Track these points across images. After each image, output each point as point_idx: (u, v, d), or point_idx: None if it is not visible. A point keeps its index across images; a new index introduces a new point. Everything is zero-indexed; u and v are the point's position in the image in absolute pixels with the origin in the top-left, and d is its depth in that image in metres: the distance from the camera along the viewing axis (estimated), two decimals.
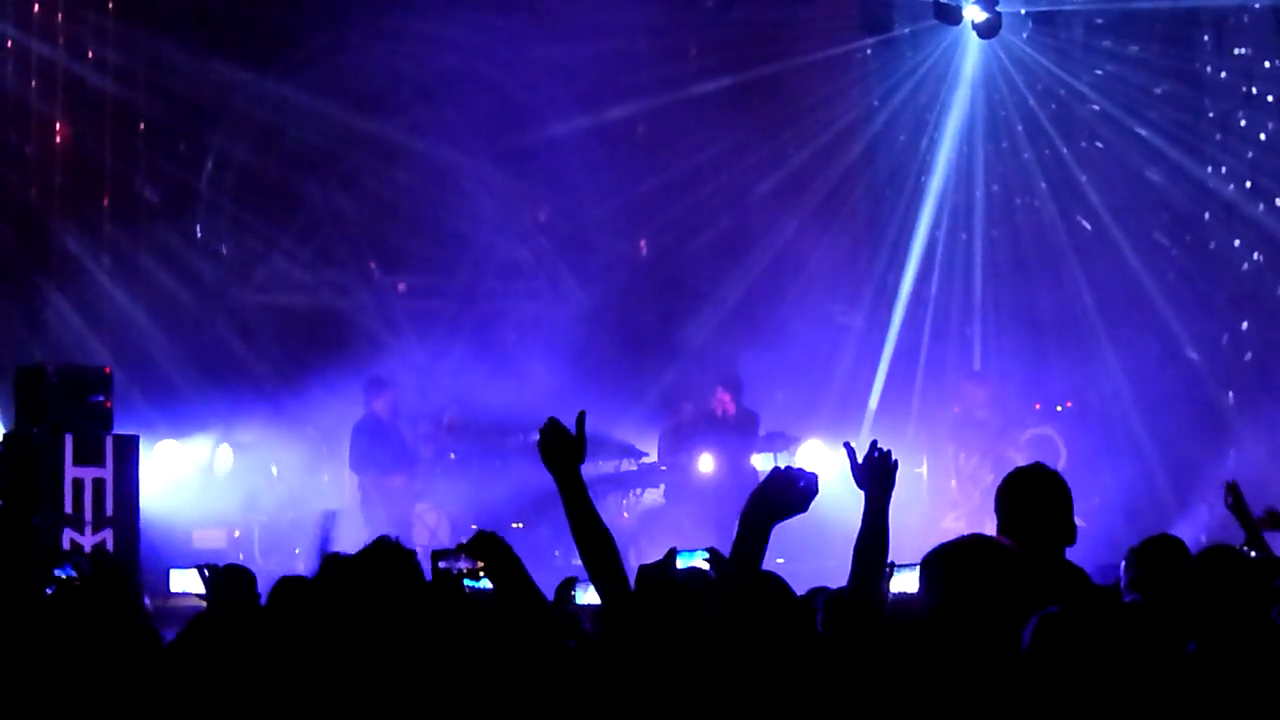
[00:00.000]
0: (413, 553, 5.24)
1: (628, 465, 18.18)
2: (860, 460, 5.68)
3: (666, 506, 17.78)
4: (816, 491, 5.19)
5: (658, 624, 5.19)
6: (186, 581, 12.26)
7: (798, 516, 5.29)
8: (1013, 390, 19.91)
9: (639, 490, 18.15)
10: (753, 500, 5.12)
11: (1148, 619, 6.37)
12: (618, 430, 17.92)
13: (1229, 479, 9.36)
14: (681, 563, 7.68)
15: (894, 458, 5.69)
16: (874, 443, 5.71)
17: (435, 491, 17.39)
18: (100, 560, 12.94)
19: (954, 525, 17.22)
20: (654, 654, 5.12)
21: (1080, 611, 4.49)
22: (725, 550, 7.29)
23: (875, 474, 5.63)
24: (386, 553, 5.16)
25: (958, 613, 4.88)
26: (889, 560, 5.89)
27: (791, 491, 5.19)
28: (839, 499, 6.18)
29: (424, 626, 5.09)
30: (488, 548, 5.56)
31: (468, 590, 6.82)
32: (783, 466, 5.26)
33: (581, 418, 5.36)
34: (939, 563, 5.00)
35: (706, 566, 6.68)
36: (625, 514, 17.69)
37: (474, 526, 16.05)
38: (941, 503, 18.83)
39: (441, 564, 5.92)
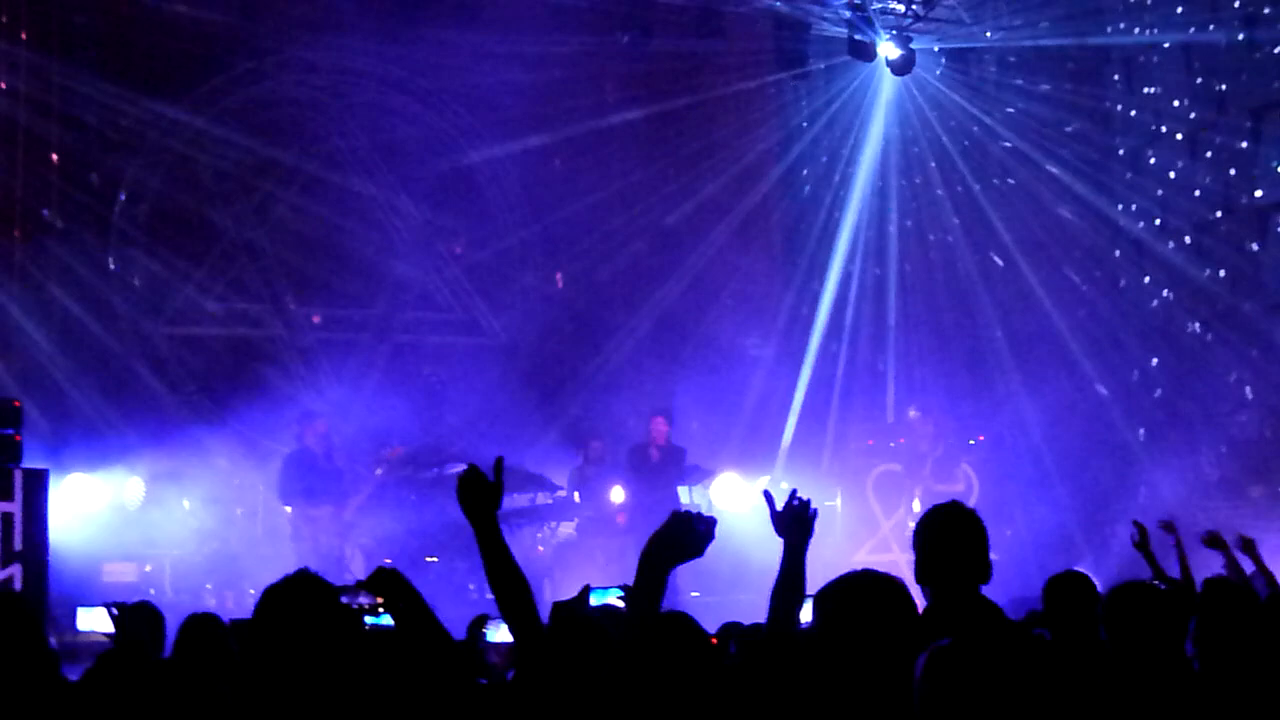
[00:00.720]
0: (330, 586, 5.19)
1: (543, 499, 18.13)
2: (779, 508, 5.71)
3: (580, 540, 17.74)
4: (713, 538, 5.23)
5: (571, 661, 5.19)
6: (94, 620, 12.15)
7: (710, 550, 5.33)
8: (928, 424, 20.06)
9: (553, 524, 18.10)
10: (651, 543, 5.16)
11: (1048, 652, 6.40)
12: (532, 462, 17.88)
13: (1136, 518, 9.48)
14: (595, 600, 7.67)
15: (813, 507, 5.72)
16: (794, 491, 5.74)
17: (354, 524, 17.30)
18: (6, 600, 12.82)
19: (867, 558, 17.27)
20: (567, 690, 5.11)
21: (970, 645, 4.50)
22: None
23: (794, 523, 5.67)
24: (304, 585, 5.13)
25: (844, 644, 4.88)
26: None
27: (690, 536, 5.24)
28: (753, 533, 6.19)
29: (336, 661, 5.05)
30: (387, 584, 5.54)
31: (368, 626, 6.78)
32: (685, 508, 5.30)
33: (499, 464, 5.35)
34: (828, 597, 5.01)
35: (620, 604, 6.68)
36: (540, 547, 17.65)
37: (388, 561, 16.04)
38: (858, 535, 18.87)
39: (343, 599, 5.87)
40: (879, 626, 4.79)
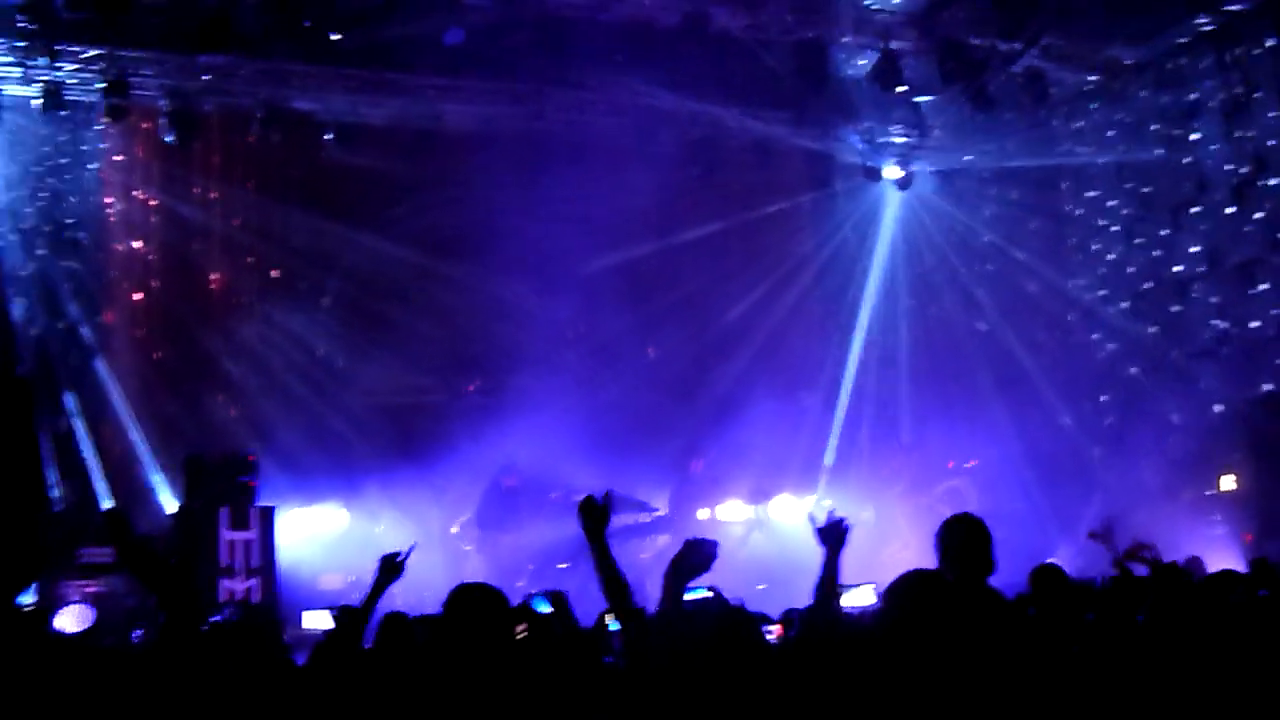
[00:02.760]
0: (499, 591, 5.22)
1: (644, 518, 18.10)
2: (821, 526, 5.69)
3: (674, 547, 17.64)
4: (716, 557, 5.28)
5: (674, 641, 5.19)
6: (315, 620, 12.24)
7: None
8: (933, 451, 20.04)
9: (653, 536, 18.05)
10: (674, 562, 5.20)
11: (1037, 627, 6.35)
12: (633, 489, 17.82)
13: (1103, 519, 9.30)
14: (690, 596, 7.64)
15: (847, 524, 5.69)
16: (831, 512, 5.73)
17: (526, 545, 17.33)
18: (249, 609, 12.95)
19: (894, 555, 17.13)
20: (672, 663, 5.10)
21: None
22: (722, 587, 7.28)
23: (832, 537, 5.65)
24: (478, 591, 5.17)
25: (909, 623, 4.84)
26: (840, 585, 5.88)
27: (699, 557, 5.26)
28: (802, 540, 6.16)
29: (501, 646, 5.07)
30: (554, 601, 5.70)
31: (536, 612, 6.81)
32: (693, 537, 5.34)
33: (608, 495, 5.41)
34: (898, 590, 4.96)
35: (710, 596, 6.66)
36: (643, 554, 17.59)
37: (530, 567, 16.03)
38: (885, 537, 18.66)
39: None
40: (936, 610, 4.76)
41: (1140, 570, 7.79)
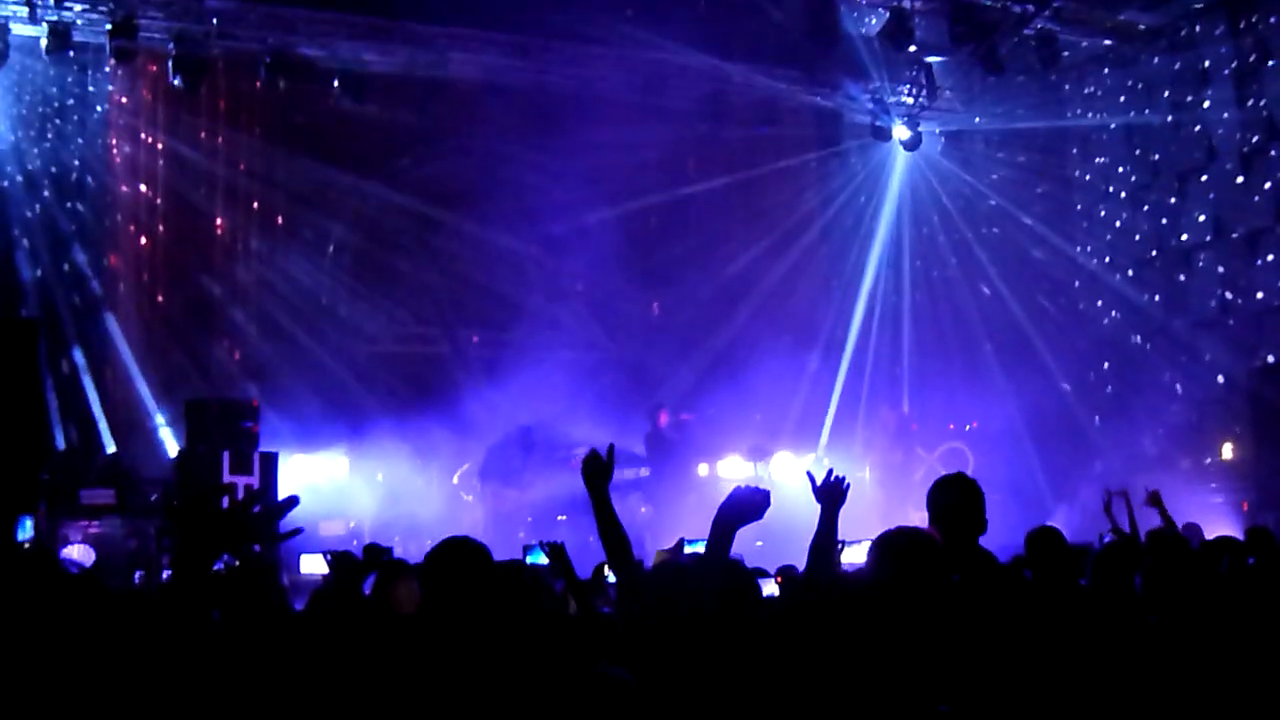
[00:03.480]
0: (482, 546, 5.19)
1: (644, 472, 18.10)
2: (819, 484, 5.67)
3: (668, 501, 17.64)
4: (769, 504, 5.17)
5: (670, 596, 5.19)
6: (313, 564, 12.26)
7: (770, 510, 5.27)
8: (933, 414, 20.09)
9: (637, 492, 18.05)
10: (722, 509, 5.10)
11: (1032, 589, 6.34)
12: (632, 444, 17.83)
13: (1107, 487, 9.31)
14: (689, 550, 7.64)
15: (846, 482, 5.66)
16: (830, 470, 5.70)
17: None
18: (249, 557, 12.96)
19: (892, 514, 17.16)
20: (666, 618, 5.11)
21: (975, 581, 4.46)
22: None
23: (830, 494, 5.63)
24: (459, 546, 5.15)
25: (897, 581, 4.82)
26: (840, 540, 5.86)
27: (751, 505, 5.17)
28: (802, 498, 6.13)
29: (486, 596, 5.05)
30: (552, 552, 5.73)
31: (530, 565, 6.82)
32: (744, 485, 5.22)
33: (611, 450, 5.39)
34: (885, 547, 4.94)
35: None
36: (643, 509, 17.61)
37: (529, 519, 16.03)
38: (882, 496, 18.70)
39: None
40: (924, 568, 4.74)
41: (1151, 520, 7.80)
